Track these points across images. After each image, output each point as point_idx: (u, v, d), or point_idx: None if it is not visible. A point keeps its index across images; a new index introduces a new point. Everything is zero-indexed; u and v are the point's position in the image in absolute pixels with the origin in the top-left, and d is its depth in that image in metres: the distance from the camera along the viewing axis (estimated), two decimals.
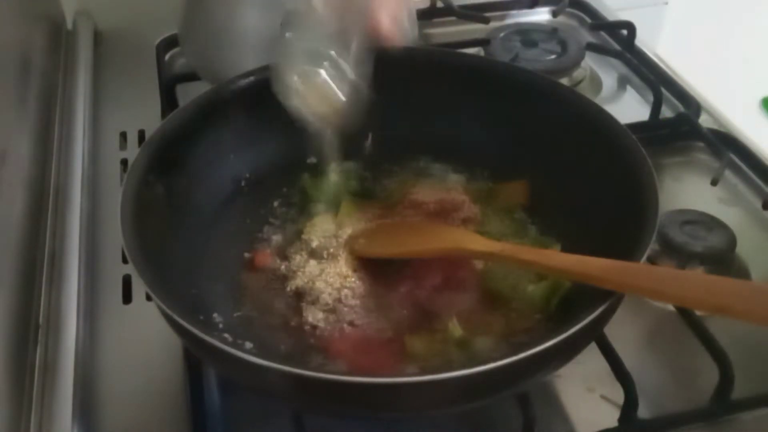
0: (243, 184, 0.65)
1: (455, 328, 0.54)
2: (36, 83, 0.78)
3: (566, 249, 0.58)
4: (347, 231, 0.61)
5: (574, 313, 0.45)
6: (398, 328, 0.55)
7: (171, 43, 0.89)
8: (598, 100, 0.70)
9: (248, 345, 0.53)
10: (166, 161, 0.57)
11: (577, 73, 0.88)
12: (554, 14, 0.97)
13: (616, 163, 0.56)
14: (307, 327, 0.56)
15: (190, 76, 0.80)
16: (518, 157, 0.64)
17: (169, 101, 0.80)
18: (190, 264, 0.57)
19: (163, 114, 0.78)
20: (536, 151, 0.63)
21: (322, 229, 0.62)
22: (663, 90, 0.82)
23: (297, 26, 0.56)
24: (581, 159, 0.60)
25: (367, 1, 0.53)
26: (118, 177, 0.73)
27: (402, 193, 0.66)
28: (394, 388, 0.43)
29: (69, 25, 0.93)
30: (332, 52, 0.54)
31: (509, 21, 0.96)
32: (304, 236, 0.62)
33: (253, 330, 0.56)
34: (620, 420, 0.53)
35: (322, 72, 0.54)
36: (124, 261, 0.63)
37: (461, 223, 0.63)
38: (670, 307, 0.59)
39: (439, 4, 0.97)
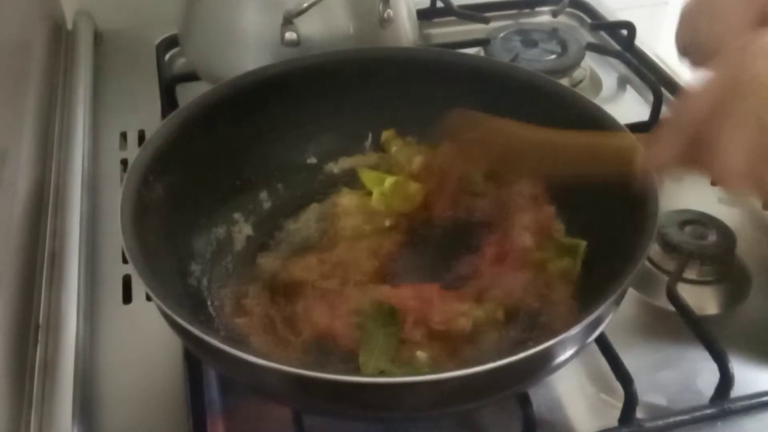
0: (244, 183, 0.65)
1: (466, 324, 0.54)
2: (36, 83, 0.78)
3: None
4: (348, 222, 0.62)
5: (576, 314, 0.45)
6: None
7: (171, 43, 0.88)
8: (598, 100, 0.70)
9: (248, 345, 0.53)
10: (166, 161, 0.56)
11: (577, 73, 0.88)
12: (554, 14, 0.97)
13: None
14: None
15: (190, 76, 0.80)
16: None
17: (169, 101, 0.80)
18: (190, 264, 0.57)
19: (163, 114, 0.78)
20: None
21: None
22: (663, 90, 0.81)
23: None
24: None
25: None
26: (118, 177, 0.73)
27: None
28: (394, 388, 0.43)
29: (69, 25, 0.93)
30: None
31: (509, 21, 0.96)
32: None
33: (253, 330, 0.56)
34: (620, 420, 0.53)
35: None
36: (124, 261, 0.63)
37: None
38: (670, 307, 0.59)
39: (439, 4, 0.97)
